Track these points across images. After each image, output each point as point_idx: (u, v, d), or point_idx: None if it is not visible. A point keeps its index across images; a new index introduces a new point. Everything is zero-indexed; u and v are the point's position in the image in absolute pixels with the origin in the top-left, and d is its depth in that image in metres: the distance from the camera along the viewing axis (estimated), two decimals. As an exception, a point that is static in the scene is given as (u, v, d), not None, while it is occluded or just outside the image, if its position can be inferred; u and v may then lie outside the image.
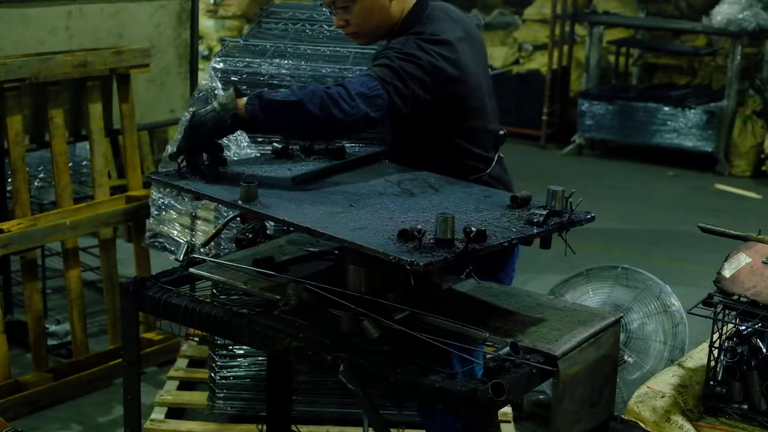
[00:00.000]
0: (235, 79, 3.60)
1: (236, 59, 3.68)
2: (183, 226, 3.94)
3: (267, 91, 2.67)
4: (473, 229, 2.25)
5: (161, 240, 3.92)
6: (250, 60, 3.67)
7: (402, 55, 2.73)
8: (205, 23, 9.72)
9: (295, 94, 2.60)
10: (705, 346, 2.90)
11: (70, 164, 4.44)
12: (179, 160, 2.68)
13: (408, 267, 2.18)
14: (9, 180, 4.39)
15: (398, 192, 2.65)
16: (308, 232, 2.40)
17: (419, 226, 2.27)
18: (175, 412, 3.98)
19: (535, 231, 2.40)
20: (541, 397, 4.04)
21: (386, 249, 2.23)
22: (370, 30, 2.91)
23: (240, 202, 2.50)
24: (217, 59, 3.68)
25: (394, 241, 2.27)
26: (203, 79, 3.70)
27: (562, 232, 2.46)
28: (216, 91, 3.55)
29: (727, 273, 2.84)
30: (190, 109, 3.59)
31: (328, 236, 2.34)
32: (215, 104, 2.60)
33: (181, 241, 3.58)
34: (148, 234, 4.01)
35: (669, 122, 8.38)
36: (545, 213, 2.43)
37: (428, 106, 2.78)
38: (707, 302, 2.80)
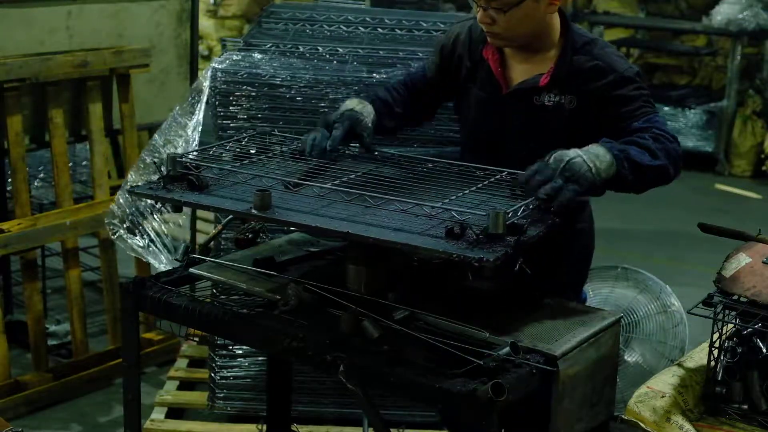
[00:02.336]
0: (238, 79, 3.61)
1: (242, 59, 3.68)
2: (179, 225, 3.94)
3: (632, 149, 2.59)
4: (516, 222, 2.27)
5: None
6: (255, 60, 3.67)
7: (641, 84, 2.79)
8: (205, 23, 9.71)
9: (660, 158, 2.62)
10: (705, 346, 2.90)
11: (70, 164, 4.44)
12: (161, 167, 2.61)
13: (476, 264, 2.17)
14: (9, 180, 4.39)
15: (397, 184, 2.62)
16: (348, 238, 2.33)
17: (462, 222, 2.26)
18: (175, 412, 3.98)
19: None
20: (541, 397, 4.04)
21: (447, 248, 2.21)
22: (515, 36, 2.77)
23: (255, 211, 2.41)
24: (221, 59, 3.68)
25: (443, 239, 2.25)
26: (204, 79, 3.69)
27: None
28: None
29: (727, 273, 2.84)
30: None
31: (375, 241, 2.29)
32: (592, 169, 2.49)
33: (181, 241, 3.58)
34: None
35: (669, 122, 8.36)
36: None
37: None
38: (707, 302, 2.80)
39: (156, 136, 3.72)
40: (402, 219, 2.37)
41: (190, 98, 3.70)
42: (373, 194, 2.43)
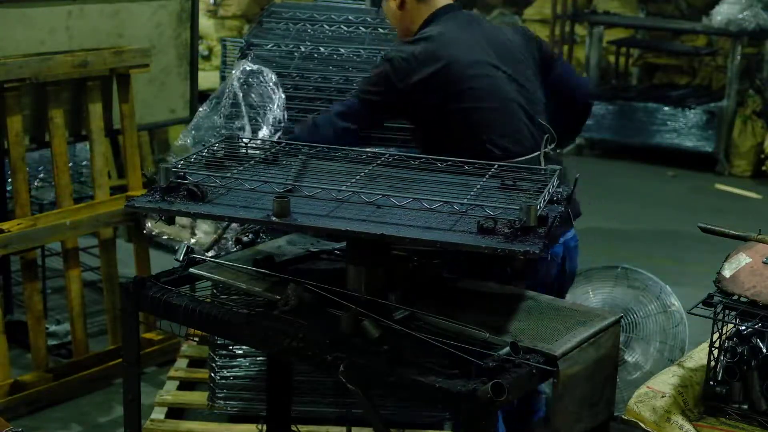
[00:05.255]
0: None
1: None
2: (182, 226, 3.93)
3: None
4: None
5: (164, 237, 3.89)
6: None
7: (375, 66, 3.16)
8: (205, 23, 9.71)
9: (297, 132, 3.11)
10: (705, 346, 2.90)
11: (70, 164, 4.44)
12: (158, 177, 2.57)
13: (522, 257, 2.20)
14: (9, 180, 4.39)
15: (396, 182, 2.62)
16: (385, 239, 2.31)
17: (491, 217, 2.28)
18: (175, 412, 3.98)
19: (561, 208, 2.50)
20: (541, 397, 4.04)
21: (489, 244, 2.23)
22: (396, 30, 3.34)
23: (275, 218, 2.37)
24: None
25: (475, 234, 2.27)
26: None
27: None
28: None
29: (727, 273, 2.84)
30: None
31: (412, 241, 2.28)
32: None
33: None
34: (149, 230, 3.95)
35: (669, 122, 8.38)
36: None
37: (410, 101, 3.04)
38: (707, 302, 2.80)
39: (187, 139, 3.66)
40: (422, 217, 2.37)
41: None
42: (397, 195, 2.42)
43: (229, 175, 2.56)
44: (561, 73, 3.31)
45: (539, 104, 3.15)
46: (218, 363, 3.78)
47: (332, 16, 4.11)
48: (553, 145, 3.10)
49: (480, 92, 3.02)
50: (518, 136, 3.03)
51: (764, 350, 2.76)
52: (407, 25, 3.22)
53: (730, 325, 2.83)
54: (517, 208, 2.29)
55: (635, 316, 4.03)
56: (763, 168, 8.21)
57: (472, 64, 3.03)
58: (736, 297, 2.78)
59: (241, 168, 2.68)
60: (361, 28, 4.07)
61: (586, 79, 3.54)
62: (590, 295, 4.14)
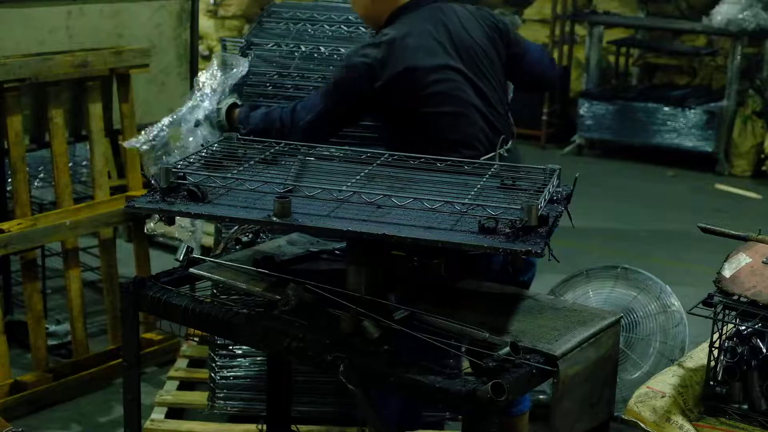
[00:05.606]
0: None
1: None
2: (183, 227, 3.93)
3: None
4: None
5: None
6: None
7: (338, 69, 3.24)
8: (205, 23, 9.71)
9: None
10: (705, 346, 2.90)
11: (70, 164, 4.44)
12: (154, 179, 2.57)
13: (524, 256, 2.21)
14: (9, 180, 4.38)
15: (393, 182, 2.62)
16: (387, 239, 2.31)
17: (492, 217, 2.29)
18: (175, 412, 3.98)
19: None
20: (541, 397, 4.04)
21: (491, 243, 2.23)
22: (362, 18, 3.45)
23: (276, 218, 2.36)
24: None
25: (476, 234, 2.27)
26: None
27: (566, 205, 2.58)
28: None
29: (727, 273, 2.84)
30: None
31: (414, 241, 2.29)
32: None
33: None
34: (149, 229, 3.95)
35: (669, 122, 8.38)
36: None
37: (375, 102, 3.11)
38: (707, 302, 2.80)
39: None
40: (422, 217, 2.37)
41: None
42: (398, 195, 2.42)
43: (229, 175, 2.56)
44: (525, 67, 3.41)
45: (500, 105, 3.24)
46: (218, 363, 3.78)
47: (332, 16, 4.11)
48: (509, 145, 3.21)
49: (439, 97, 3.09)
50: (472, 140, 3.10)
51: (764, 350, 2.76)
52: (376, 16, 3.27)
53: (730, 325, 2.83)
54: (518, 207, 2.29)
55: (635, 316, 4.03)
56: (763, 168, 8.21)
57: (432, 69, 3.09)
58: (736, 297, 2.78)
59: (241, 168, 2.68)
60: (361, 28, 4.06)
61: (551, 66, 3.55)
62: (590, 295, 4.14)
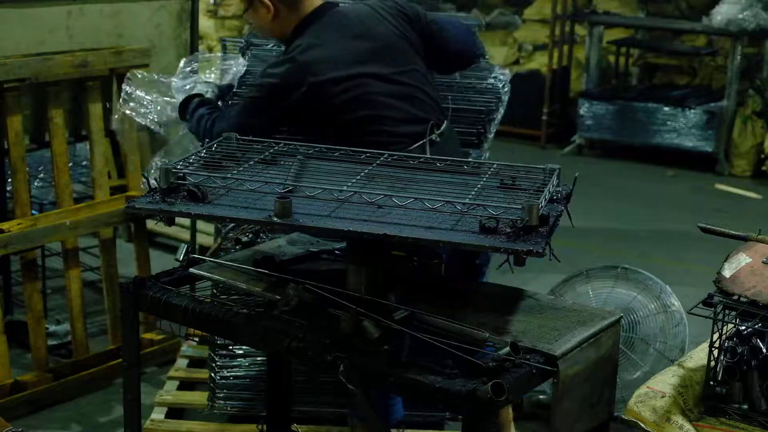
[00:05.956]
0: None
1: None
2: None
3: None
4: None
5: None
6: None
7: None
8: (205, 23, 9.71)
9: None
10: (705, 346, 2.90)
11: (70, 164, 4.44)
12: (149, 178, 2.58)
13: (524, 256, 2.21)
14: (9, 180, 4.38)
15: (392, 183, 2.62)
16: (388, 239, 2.31)
17: (493, 217, 2.29)
18: (175, 412, 3.98)
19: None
20: (541, 397, 4.04)
21: (492, 243, 2.23)
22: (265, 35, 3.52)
23: (277, 218, 2.36)
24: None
25: (477, 234, 2.27)
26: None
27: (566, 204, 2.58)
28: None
29: (727, 273, 2.84)
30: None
31: (415, 241, 2.29)
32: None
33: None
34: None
35: (669, 122, 8.38)
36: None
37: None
38: (707, 302, 2.80)
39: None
40: (423, 217, 2.37)
41: None
42: (398, 194, 2.42)
43: (229, 175, 2.55)
44: (443, 44, 3.39)
45: (423, 92, 3.23)
46: (218, 363, 3.78)
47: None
48: (443, 128, 3.21)
49: (353, 103, 3.12)
50: (399, 137, 3.12)
51: (764, 350, 2.76)
52: (282, 33, 3.30)
53: (730, 325, 2.83)
54: (519, 207, 2.29)
55: (635, 316, 4.03)
56: (763, 168, 8.21)
57: (340, 79, 3.11)
58: (736, 297, 2.78)
59: (241, 168, 2.68)
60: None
61: (472, 40, 3.53)
62: (590, 295, 4.14)
